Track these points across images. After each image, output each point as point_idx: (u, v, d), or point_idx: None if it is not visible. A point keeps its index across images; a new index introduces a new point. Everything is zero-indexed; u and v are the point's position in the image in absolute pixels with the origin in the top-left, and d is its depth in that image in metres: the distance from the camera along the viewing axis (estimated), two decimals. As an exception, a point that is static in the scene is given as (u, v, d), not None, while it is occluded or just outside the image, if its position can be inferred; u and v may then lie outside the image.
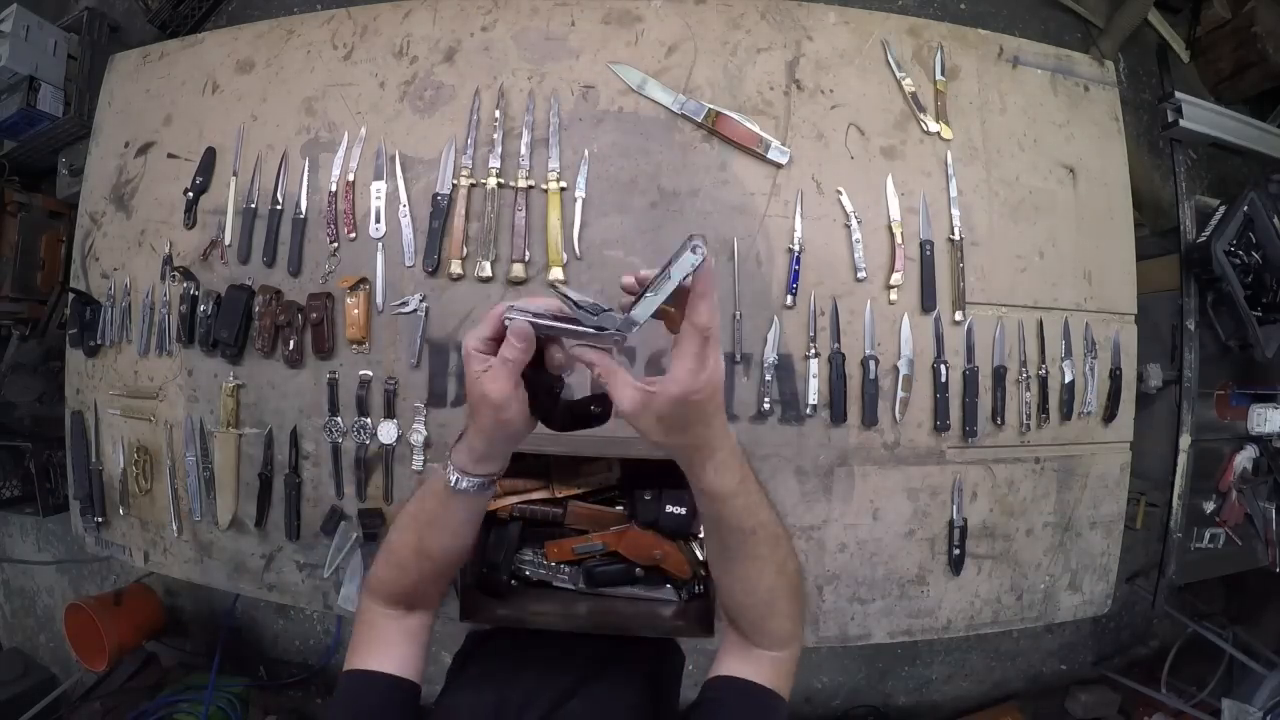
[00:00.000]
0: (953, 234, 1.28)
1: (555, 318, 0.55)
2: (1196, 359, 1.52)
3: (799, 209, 1.26)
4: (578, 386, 0.62)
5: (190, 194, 1.38)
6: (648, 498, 1.11)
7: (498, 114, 1.28)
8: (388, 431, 1.27)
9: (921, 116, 1.30)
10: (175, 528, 1.39)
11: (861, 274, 1.26)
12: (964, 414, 1.29)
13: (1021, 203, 1.33)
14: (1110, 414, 1.36)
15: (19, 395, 2.15)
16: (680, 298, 0.52)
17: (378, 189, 1.29)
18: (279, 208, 1.33)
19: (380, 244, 1.29)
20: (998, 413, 1.30)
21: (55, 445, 2.13)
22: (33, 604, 2.77)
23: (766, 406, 1.25)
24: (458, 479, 0.62)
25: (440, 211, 1.26)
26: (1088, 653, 2.49)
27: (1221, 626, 2.08)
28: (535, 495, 1.15)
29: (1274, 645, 2.04)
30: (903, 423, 1.27)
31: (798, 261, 1.25)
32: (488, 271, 1.24)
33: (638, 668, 0.96)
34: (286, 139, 1.35)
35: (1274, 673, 1.89)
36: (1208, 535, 1.63)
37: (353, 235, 1.30)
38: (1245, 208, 1.49)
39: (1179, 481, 1.51)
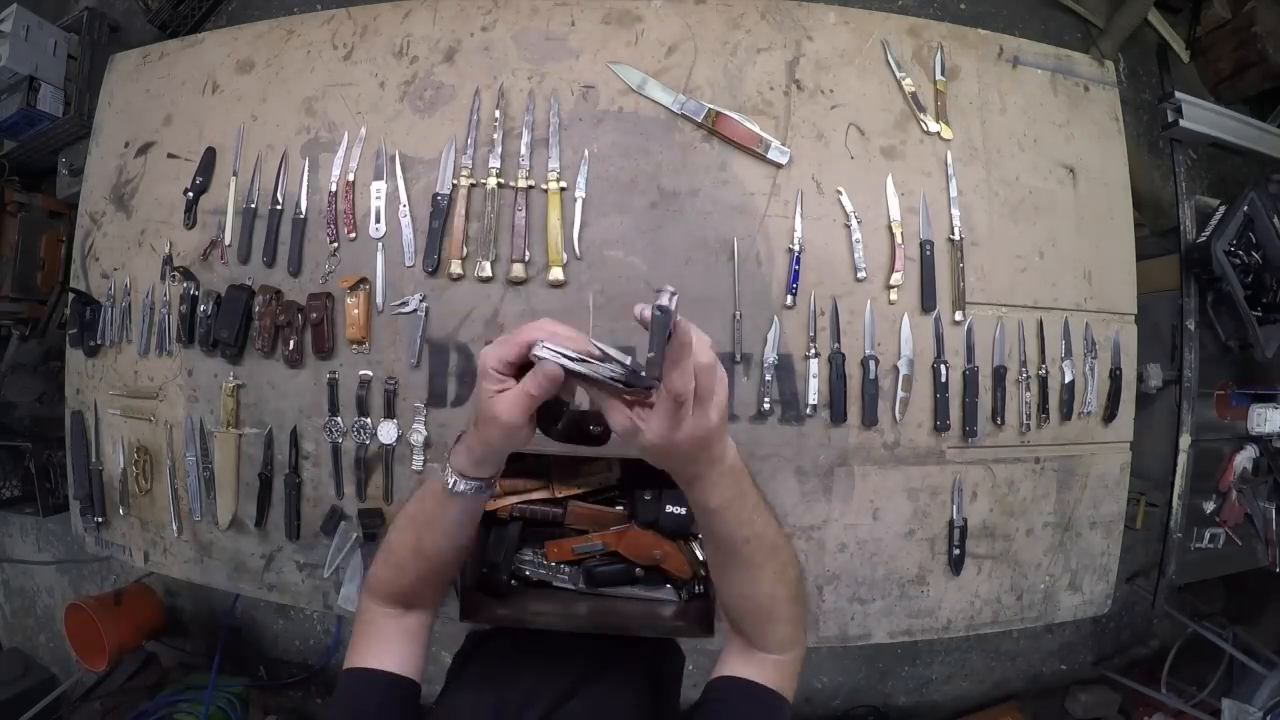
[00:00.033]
0: (953, 234, 1.28)
1: (583, 358, 0.53)
2: (1196, 359, 1.52)
3: (799, 209, 1.26)
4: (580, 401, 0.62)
5: (190, 194, 1.38)
6: (648, 498, 1.11)
7: (498, 114, 1.28)
8: (388, 431, 1.27)
9: (921, 116, 1.30)
10: (175, 528, 1.39)
11: (861, 274, 1.26)
12: (964, 414, 1.29)
13: (1021, 203, 1.33)
14: (1110, 414, 1.36)
15: (19, 395, 2.15)
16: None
17: (378, 189, 1.29)
18: (279, 208, 1.33)
19: (380, 244, 1.29)
20: (998, 413, 1.30)
21: (55, 445, 2.14)
22: (33, 604, 2.77)
23: (766, 406, 1.25)
24: (455, 481, 0.62)
25: (440, 211, 1.26)
26: (1088, 653, 2.49)
27: (1221, 626, 2.08)
28: (535, 495, 1.15)
29: (1274, 645, 2.04)
30: (903, 423, 1.27)
31: (798, 261, 1.25)
32: (488, 271, 1.24)
33: (637, 668, 0.96)
34: (286, 139, 1.35)
35: (1274, 673, 1.89)
36: (1208, 535, 1.63)
37: (353, 235, 1.30)
38: (1245, 208, 1.49)
39: (1179, 481, 1.51)
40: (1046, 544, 1.35)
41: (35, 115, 2.24)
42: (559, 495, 1.15)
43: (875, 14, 1.37)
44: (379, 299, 1.28)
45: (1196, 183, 2.26)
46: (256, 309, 1.30)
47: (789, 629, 0.67)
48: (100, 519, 1.46)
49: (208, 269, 1.37)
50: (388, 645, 0.71)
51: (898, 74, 1.31)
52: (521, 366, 0.55)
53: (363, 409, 1.29)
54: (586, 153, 1.27)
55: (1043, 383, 1.31)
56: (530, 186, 1.26)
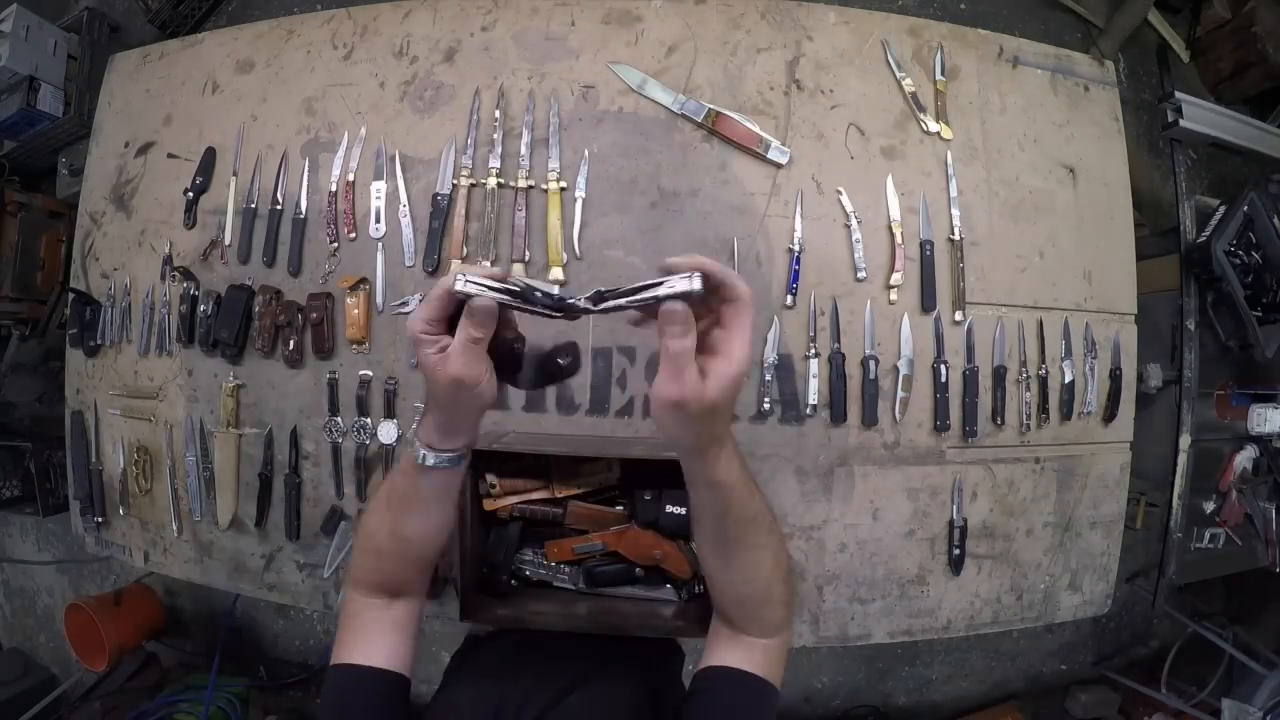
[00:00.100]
0: (953, 234, 1.28)
1: (508, 287, 0.51)
2: (1196, 359, 1.52)
3: (799, 209, 1.26)
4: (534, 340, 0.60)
5: (190, 194, 1.38)
6: (648, 498, 1.11)
7: (498, 114, 1.28)
8: (388, 431, 1.27)
9: (921, 116, 1.30)
10: (175, 528, 1.39)
11: (861, 274, 1.26)
12: (964, 414, 1.29)
13: (1021, 203, 1.33)
14: (1110, 414, 1.36)
15: (19, 395, 2.15)
16: (651, 310, 0.51)
17: (378, 189, 1.29)
18: (279, 208, 1.33)
19: (380, 244, 1.29)
20: (998, 413, 1.30)
21: (55, 445, 2.13)
22: (33, 604, 2.77)
23: (766, 406, 1.25)
24: (425, 455, 0.60)
25: (440, 211, 1.26)
26: (1088, 653, 2.49)
27: (1221, 626, 2.08)
28: (535, 495, 1.15)
29: (1274, 645, 2.04)
30: (903, 423, 1.27)
31: (798, 261, 1.25)
32: (488, 271, 1.24)
33: (637, 666, 0.96)
34: (286, 139, 1.35)
35: (1274, 673, 1.89)
36: (1208, 535, 1.63)
37: (353, 235, 1.30)
38: (1245, 208, 1.49)
39: (1179, 481, 1.51)
40: (1046, 544, 1.35)
41: (35, 115, 2.23)
42: (559, 495, 1.15)
43: (875, 14, 1.37)
44: (379, 299, 1.28)
45: (1196, 183, 2.26)
46: (256, 309, 1.30)
47: (782, 610, 0.68)
48: (100, 519, 1.46)
49: (208, 269, 1.37)
50: (374, 639, 0.69)
51: (898, 74, 1.31)
52: (451, 322, 0.53)
53: (363, 409, 1.29)
54: (586, 153, 1.27)
55: (1043, 383, 1.31)
56: (530, 186, 1.26)
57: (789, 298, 1.25)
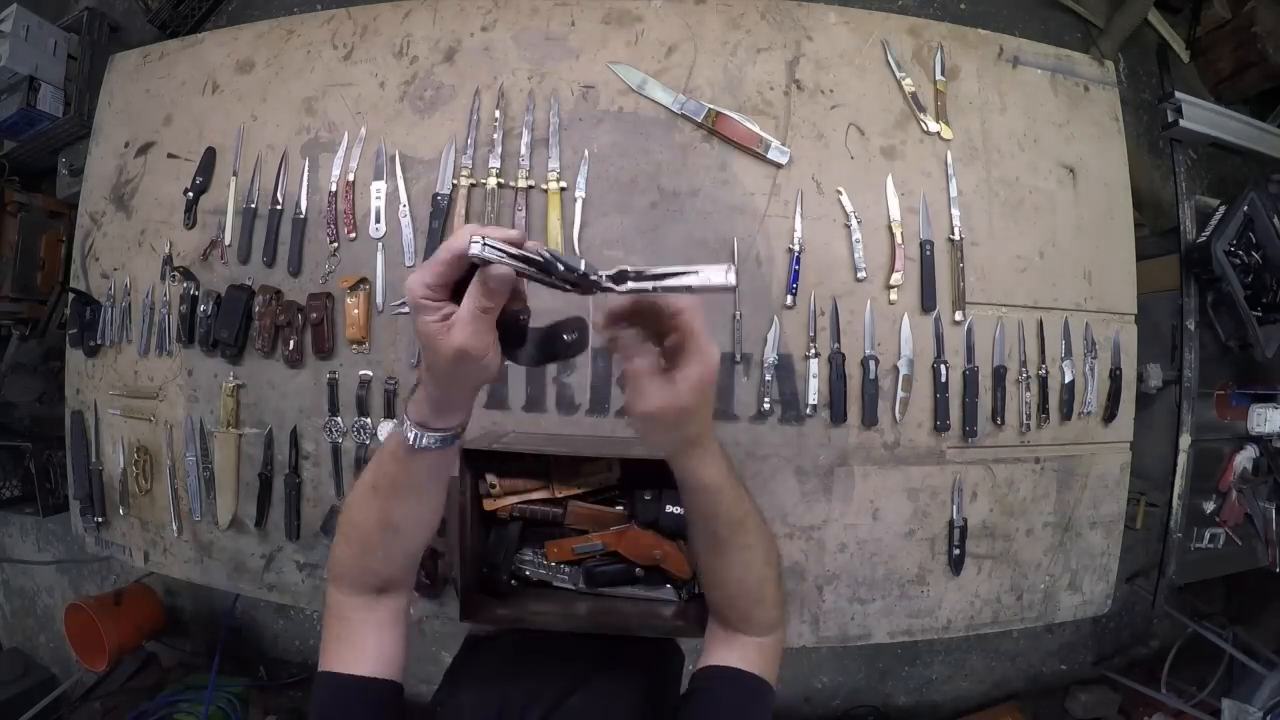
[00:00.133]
0: (953, 234, 1.28)
1: (527, 255, 0.47)
2: (1196, 359, 1.52)
3: (799, 209, 1.26)
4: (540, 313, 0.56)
5: (190, 194, 1.38)
6: (648, 498, 1.11)
7: (498, 114, 1.28)
8: (388, 431, 1.27)
9: (921, 116, 1.30)
10: (175, 528, 1.39)
11: (861, 274, 1.26)
12: (964, 414, 1.29)
13: (1021, 203, 1.33)
14: (1110, 414, 1.36)
15: (19, 395, 2.15)
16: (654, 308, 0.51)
17: (378, 189, 1.29)
18: (279, 208, 1.33)
19: (380, 244, 1.29)
20: (998, 413, 1.30)
21: (55, 445, 2.13)
22: (33, 604, 2.77)
23: (766, 406, 1.25)
24: (417, 435, 0.56)
25: (440, 211, 1.26)
26: (1088, 653, 2.49)
27: (1221, 626, 2.07)
28: (535, 495, 1.15)
29: (1274, 645, 2.04)
30: (903, 423, 1.27)
31: (798, 261, 1.25)
32: (488, 271, 1.24)
33: (638, 667, 0.96)
34: (286, 139, 1.35)
35: (1274, 673, 1.89)
36: (1208, 535, 1.63)
37: (353, 235, 1.30)
38: (1245, 208, 1.49)
39: (1179, 481, 1.51)
40: (1046, 544, 1.35)
41: (35, 115, 2.23)
42: (559, 495, 1.15)
43: (875, 14, 1.37)
44: (379, 299, 1.28)
45: (1196, 183, 2.26)
46: (256, 309, 1.30)
47: (774, 610, 0.68)
48: (100, 519, 1.46)
49: (208, 269, 1.37)
50: (362, 642, 0.65)
51: (898, 74, 1.31)
52: (456, 287, 0.49)
53: (363, 409, 1.29)
54: (586, 153, 1.27)
55: (1043, 383, 1.31)
56: (530, 186, 1.26)
57: (789, 298, 1.25)
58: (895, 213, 1.27)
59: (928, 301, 1.27)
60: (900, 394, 1.26)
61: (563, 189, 1.25)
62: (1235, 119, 1.76)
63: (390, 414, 1.28)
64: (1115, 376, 1.36)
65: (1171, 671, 2.20)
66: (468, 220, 1.27)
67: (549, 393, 1.26)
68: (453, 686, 0.91)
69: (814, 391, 1.25)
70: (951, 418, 1.28)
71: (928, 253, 1.27)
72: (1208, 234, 1.50)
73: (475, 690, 0.84)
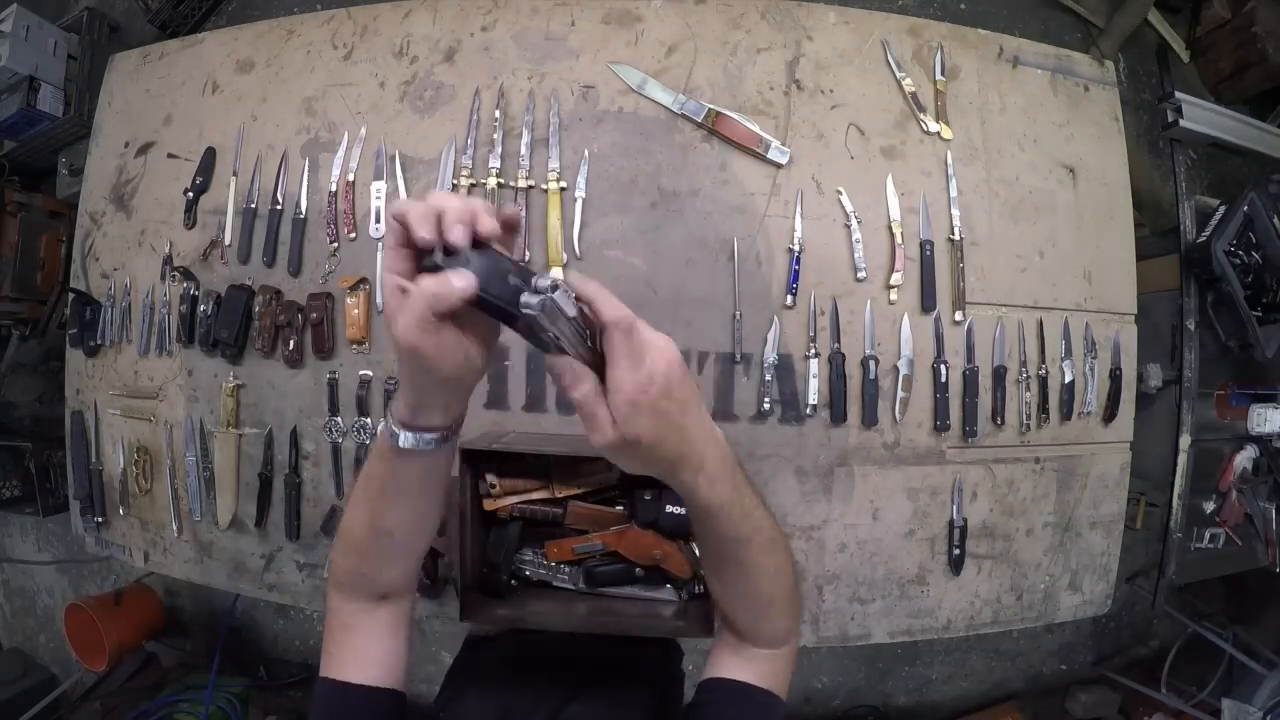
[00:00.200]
0: (953, 234, 1.28)
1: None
2: (1196, 359, 1.52)
3: (799, 209, 1.26)
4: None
5: (190, 194, 1.38)
6: (648, 498, 1.11)
7: (498, 114, 1.28)
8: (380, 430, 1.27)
9: (921, 116, 1.30)
10: (175, 528, 1.39)
11: (861, 274, 1.26)
12: (964, 414, 1.29)
13: (1021, 203, 1.33)
14: (1110, 414, 1.36)
15: (19, 395, 2.15)
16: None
17: (378, 189, 1.29)
18: (279, 208, 1.33)
19: (380, 244, 1.29)
20: (998, 413, 1.30)
21: (55, 445, 2.13)
22: (33, 604, 2.77)
23: (766, 406, 1.25)
24: (400, 436, 0.51)
25: (440, 211, 1.26)
26: (1088, 653, 2.49)
27: (1221, 626, 2.07)
28: (535, 495, 1.15)
29: (1274, 645, 2.04)
30: (903, 423, 1.27)
31: (798, 261, 1.25)
32: (488, 271, 1.24)
33: (640, 669, 0.96)
34: (286, 139, 1.35)
35: (1274, 673, 1.89)
36: (1208, 535, 1.63)
37: (353, 235, 1.30)
38: (1245, 208, 1.49)
39: (1179, 481, 1.51)
40: (1046, 544, 1.35)
41: (35, 115, 2.23)
42: (559, 495, 1.15)
43: (875, 14, 1.37)
44: (379, 299, 1.28)
45: (1196, 183, 2.26)
46: (256, 309, 1.30)
47: (784, 623, 0.64)
48: (100, 519, 1.46)
49: (208, 269, 1.37)
50: (363, 649, 0.63)
51: (898, 74, 1.31)
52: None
53: (363, 409, 1.29)
54: (586, 153, 1.27)
55: (1043, 383, 1.31)
56: (530, 186, 1.26)
57: (789, 298, 1.25)
58: (895, 213, 1.27)
59: (928, 301, 1.27)
60: (900, 394, 1.26)
61: (563, 189, 1.25)
62: (1235, 119, 1.77)
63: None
64: (1115, 376, 1.36)
65: (1171, 671, 2.20)
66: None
67: (549, 393, 1.26)
68: (455, 689, 0.91)
69: (814, 391, 1.25)
70: (951, 418, 1.28)
71: (928, 253, 1.27)
72: (1208, 234, 1.50)
73: (479, 695, 0.84)
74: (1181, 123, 1.63)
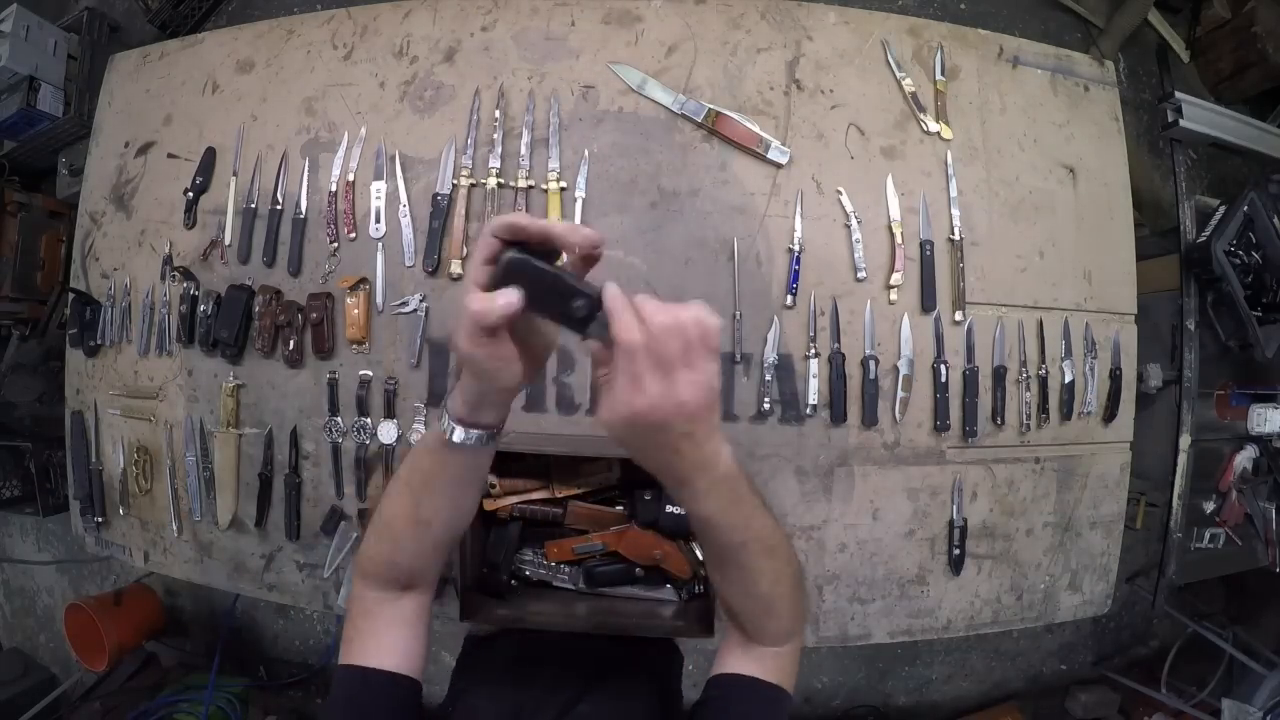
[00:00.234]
0: (953, 234, 1.28)
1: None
2: (1196, 359, 1.52)
3: (799, 209, 1.26)
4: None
5: (190, 194, 1.38)
6: (648, 498, 1.11)
7: (498, 114, 1.28)
8: (388, 431, 1.27)
9: (921, 116, 1.30)
10: (175, 528, 1.39)
11: (861, 274, 1.26)
12: (964, 414, 1.29)
13: (1021, 203, 1.33)
14: (1110, 414, 1.36)
15: (19, 395, 2.15)
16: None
17: (378, 189, 1.29)
18: (279, 208, 1.33)
19: (380, 244, 1.29)
20: (998, 413, 1.30)
21: (55, 445, 2.13)
22: (33, 604, 2.77)
23: (766, 406, 1.25)
24: (454, 430, 0.55)
25: (440, 211, 1.26)
26: (1088, 653, 2.49)
27: (1221, 626, 2.07)
28: (535, 495, 1.15)
29: (1274, 645, 2.04)
30: (903, 423, 1.27)
31: (798, 261, 1.25)
32: (488, 271, 1.24)
33: (644, 670, 0.96)
34: (286, 139, 1.35)
35: (1274, 673, 1.89)
36: (1208, 535, 1.63)
37: (353, 235, 1.30)
38: (1245, 208, 1.49)
39: (1179, 481, 1.51)
40: (1046, 544, 1.35)
41: (35, 115, 2.23)
42: (559, 495, 1.15)
43: (875, 14, 1.37)
44: (379, 299, 1.28)
45: (1196, 183, 2.26)
46: (256, 309, 1.30)
47: (787, 622, 0.66)
48: (100, 519, 1.46)
49: (208, 269, 1.37)
50: (384, 637, 0.65)
51: (898, 74, 1.31)
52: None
53: (363, 409, 1.29)
54: (586, 153, 1.27)
55: (1043, 383, 1.31)
56: (530, 186, 1.26)
57: (789, 298, 1.25)
58: (895, 213, 1.27)
59: (928, 301, 1.27)
60: (900, 394, 1.26)
61: (563, 189, 1.25)
62: (1235, 119, 1.77)
63: (390, 414, 1.28)
64: (1115, 376, 1.36)
65: (1171, 671, 2.21)
66: (468, 220, 1.26)
67: (549, 393, 1.26)
68: (463, 687, 0.91)
69: (814, 391, 1.25)
70: (951, 418, 1.28)
71: (928, 253, 1.27)
72: (1208, 234, 1.50)
73: (487, 698, 0.84)
74: (1181, 123, 1.63)
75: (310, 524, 1.33)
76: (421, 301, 1.26)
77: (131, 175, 1.45)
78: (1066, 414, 1.33)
